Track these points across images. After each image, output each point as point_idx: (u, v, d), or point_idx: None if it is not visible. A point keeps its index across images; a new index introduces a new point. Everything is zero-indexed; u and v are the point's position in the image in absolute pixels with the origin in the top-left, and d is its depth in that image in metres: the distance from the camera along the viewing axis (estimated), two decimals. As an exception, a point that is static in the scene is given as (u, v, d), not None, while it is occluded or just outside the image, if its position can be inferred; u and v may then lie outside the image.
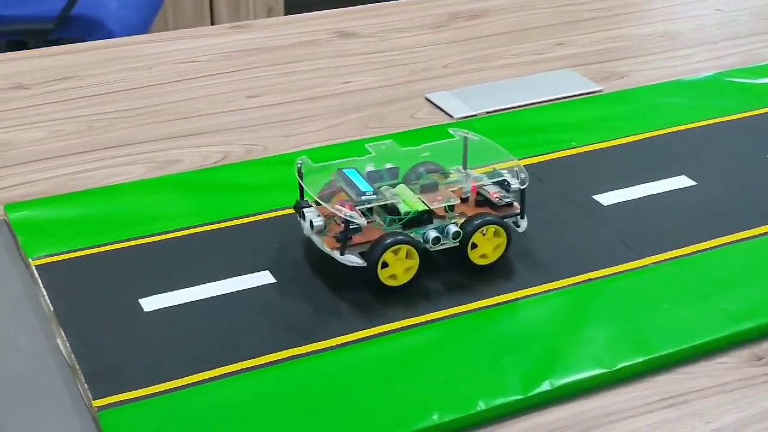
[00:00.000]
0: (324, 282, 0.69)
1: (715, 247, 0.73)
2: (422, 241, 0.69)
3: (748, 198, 0.79)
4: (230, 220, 0.75)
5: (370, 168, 0.72)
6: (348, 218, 0.66)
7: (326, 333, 0.65)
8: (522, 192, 0.71)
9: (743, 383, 0.62)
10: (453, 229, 0.69)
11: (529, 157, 0.85)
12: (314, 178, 0.71)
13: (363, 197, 0.68)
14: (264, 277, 0.69)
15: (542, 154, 0.86)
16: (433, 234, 0.68)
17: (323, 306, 0.67)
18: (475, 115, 0.93)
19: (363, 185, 0.69)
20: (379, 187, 0.71)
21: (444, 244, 0.69)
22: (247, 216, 0.76)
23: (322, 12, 1.15)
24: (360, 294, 0.68)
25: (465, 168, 0.75)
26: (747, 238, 0.74)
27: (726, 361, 0.64)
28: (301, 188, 0.71)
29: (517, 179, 0.72)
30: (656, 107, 0.94)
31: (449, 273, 0.70)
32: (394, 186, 0.72)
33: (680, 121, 0.91)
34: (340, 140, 0.88)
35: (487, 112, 0.94)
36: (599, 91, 0.98)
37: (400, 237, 0.67)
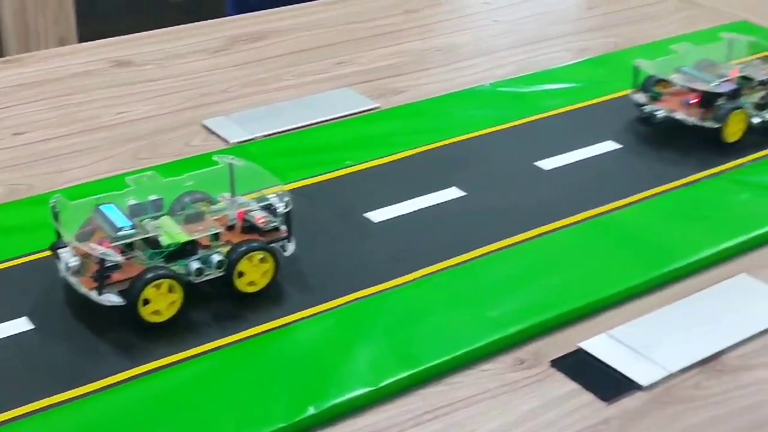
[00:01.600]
0: (86, 324, 0.67)
1: (483, 255, 0.75)
2: (185, 273, 0.67)
3: (516, 205, 0.81)
4: (-13, 266, 0.72)
5: (132, 201, 0.70)
6: (101, 256, 0.64)
7: (89, 376, 0.63)
8: (287, 215, 0.71)
9: (505, 388, 0.63)
10: (216, 258, 0.68)
11: (304, 179, 0.85)
12: (72, 216, 0.69)
13: (119, 233, 0.66)
14: (21, 324, 0.66)
15: (317, 175, 0.86)
16: (195, 265, 0.67)
17: (85, 349, 0.65)
18: (252, 139, 0.93)
19: (120, 220, 0.67)
20: (142, 221, 0.69)
21: (209, 274, 0.68)
22: (5, 261, 0.73)
23: (98, 42, 1.12)
24: (124, 333, 0.66)
25: (233, 195, 0.74)
26: (513, 244, 0.76)
27: (490, 368, 0.65)
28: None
29: (283, 203, 0.72)
30: (431, 121, 0.96)
31: (218, 303, 0.69)
32: (157, 218, 0.70)
33: (453, 134, 0.92)
34: (111, 174, 0.86)
35: (265, 135, 0.93)
36: (376, 108, 0.99)
37: (161, 271, 0.66)
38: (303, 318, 0.68)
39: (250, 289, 0.69)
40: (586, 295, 0.70)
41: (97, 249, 0.64)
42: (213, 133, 0.94)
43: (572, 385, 0.64)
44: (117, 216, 0.68)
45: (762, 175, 0.86)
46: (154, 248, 0.67)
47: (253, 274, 0.69)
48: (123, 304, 0.65)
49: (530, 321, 0.68)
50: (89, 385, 0.62)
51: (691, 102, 0.90)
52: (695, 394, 0.63)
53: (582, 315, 0.69)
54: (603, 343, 0.67)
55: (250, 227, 0.71)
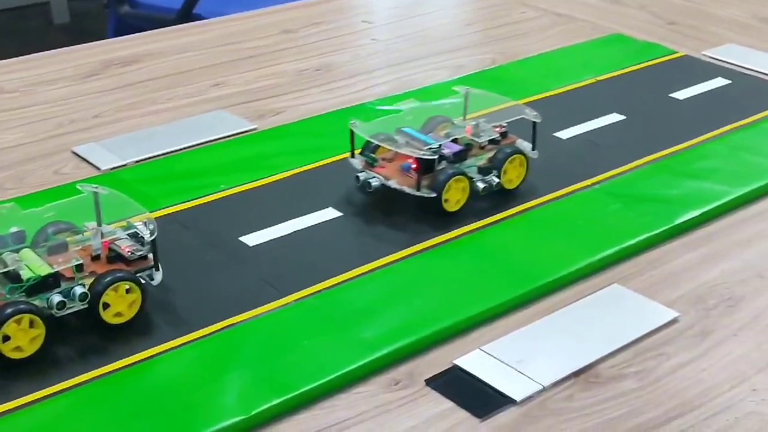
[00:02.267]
0: (-57, 364, 0.64)
1: (356, 276, 0.74)
2: (47, 307, 0.65)
3: (390, 225, 0.81)
4: None
5: (-9, 235, 0.68)
6: (-44, 293, 0.62)
7: (-55, 419, 0.60)
8: (153, 243, 0.69)
9: (380, 410, 0.63)
10: (79, 290, 0.66)
11: (178, 204, 0.83)
12: (-74, 253, 0.66)
13: (-25, 268, 0.64)
14: None
15: (191, 200, 0.84)
16: (57, 299, 0.65)
17: (-59, 390, 0.62)
18: (124, 165, 0.91)
19: (-24, 255, 0.65)
20: (1, 254, 0.67)
21: (72, 307, 0.66)
22: None
23: (-38, 69, 1.09)
24: (-17, 372, 0.64)
25: (99, 224, 0.72)
26: (386, 265, 0.76)
27: (364, 390, 0.64)
28: None
29: (149, 230, 0.70)
30: (309, 141, 0.95)
31: (83, 336, 0.67)
32: (18, 251, 0.68)
33: (330, 154, 0.92)
34: (-25, 206, 0.83)
35: (137, 161, 0.91)
36: (253, 129, 0.98)
37: (21, 306, 0.63)
38: (172, 348, 0.66)
39: (117, 321, 0.67)
40: (458, 312, 0.70)
41: (-50, 286, 0.62)
42: (84, 159, 0.91)
43: (447, 404, 0.63)
44: (-28, 250, 0.65)
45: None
46: (15, 282, 0.65)
47: (120, 305, 0.67)
48: (-20, 342, 0.63)
49: (404, 340, 0.67)
50: (-55, 428, 0.59)
51: (412, 167, 0.81)
52: (568, 407, 0.63)
53: (455, 332, 0.69)
54: (477, 359, 0.67)
55: (115, 257, 0.69)
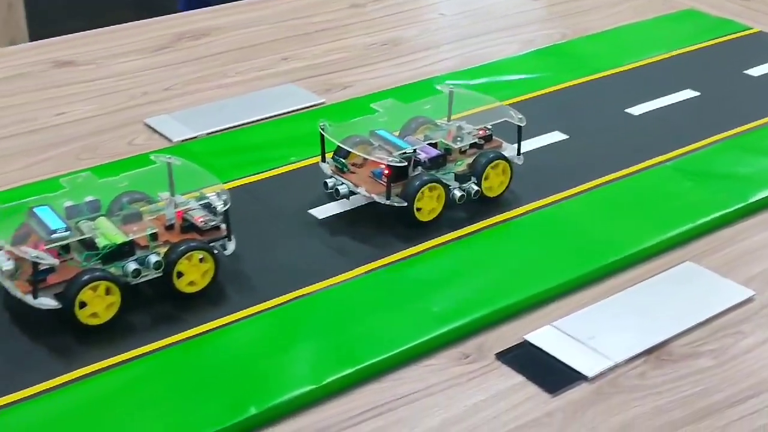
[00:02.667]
0: (22, 329, 0.65)
1: (425, 250, 0.74)
2: (122, 274, 0.66)
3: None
4: None
5: (68, 203, 0.69)
6: (35, 259, 0.63)
7: (24, 382, 0.61)
8: (226, 214, 0.70)
9: (449, 383, 0.62)
10: (154, 259, 0.67)
11: (248, 176, 0.84)
12: (6, 219, 0.67)
13: (53, 235, 0.65)
14: (-43, 330, 0.65)
15: (260, 172, 0.84)
16: (132, 266, 0.66)
17: (21, 355, 0.63)
18: (195, 137, 0.91)
19: (54, 222, 0.66)
20: (77, 223, 0.68)
21: (146, 275, 0.67)
22: (-61, 266, 0.71)
23: (38, 42, 1.10)
24: (61, 337, 0.65)
25: (172, 194, 0.72)
26: (457, 238, 0.76)
27: (433, 363, 0.64)
28: (-9, 232, 0.67)
29: (221, 201, 0.70)
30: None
31: (157, 305, 0.68)
32: (94, 219, 0.69)
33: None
34: (49, 175, 0.84)
35: (208, 133, 0.92)
36: (322, 103, 0.98)
37: (98, 273, 0.64)
38: (243, 318, 0.67)
39: (190, 290, 0.68)
40: (530, 287, 0.70)
41: (30, 252, 0.63)
42: (156, 131, 0.92)
43: (517, 378, 0.63)
44: (51, 218, 0.66)
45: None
46: (90, 250, 0.66)
47: (193, 274, 0.68)
48: (59, 307, 0.64)
49: (474, 314, 0.67)
50: (24, 390, 0.60)
51: (385, 173, 0.75)
52: (641, 384, 0.63)
53: (526, 307, 0.69)
54: (548, 334, 0.67)
55: (189, 227, 0.70)
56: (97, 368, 0.62)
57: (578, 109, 0.96)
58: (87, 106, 0.97)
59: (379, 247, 0.74)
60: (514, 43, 1.13)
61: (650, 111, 0.95)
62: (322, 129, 0.78)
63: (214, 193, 0.71)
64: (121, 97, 0.98)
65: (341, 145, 0.77)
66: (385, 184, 0.75)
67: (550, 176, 0.84)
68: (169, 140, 0.91)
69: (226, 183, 0.81)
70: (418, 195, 0.75)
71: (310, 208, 0.79)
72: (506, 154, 0.80)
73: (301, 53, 1.09)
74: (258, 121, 0.94)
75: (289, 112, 0.96)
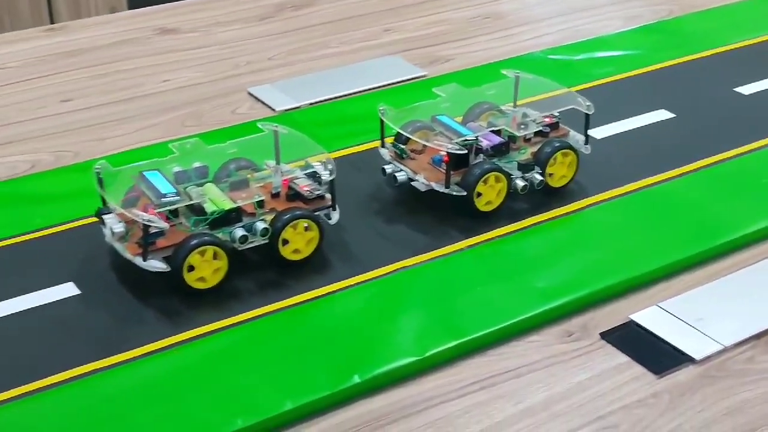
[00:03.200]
0: (131, 290, 0.66)
1: (530, 225, 0.74)
2: (230, 240, 0.67)
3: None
4: (34, 231, 0.72)
5: (177, 168, 0.70)
6: (146, 222, 0.64)
7: (133, 343, 0.62)
8: (332, 183, 0.70)
9: (553, 360, 0.62)
10: (261, 226, 0.67)
11: (350, 147, 0.84)
12: (117, 182, 0.69)
13: (164, 199, 0.66)
14: (67, 289, 0.66)
15: (363, 143, 0.85)
16: (240, 232, 0.67)
17: (129, 315, 0.65)
18: (298, 107, 0.92)
19: (164, 187, 0.67)
20: (186, 188, 0.69)
21: (253, 242, 0.67)
22: (53, 226, 0.73)
23: (143, 9, 1.12)
24: (169, 299, 0.66)
25: (278, 162, 0.73)
26: (563, 215, 0.75)
27: (537, 340, 0.64)
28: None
29: (327, 171, 0.71)
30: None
31: (262, 271, 0.68)
32: (202, 185, 0.69)
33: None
34: (156, 141, 0.85)
35: (311, 103, 0.92)
36: (424, 75, 0.98)
37: (206, 238, 0.65)
38: (347, 287, 0.67)
39: (295, 257, 0.69)
40: (636, 267, 0.69)
41: (141, 215, 0.64)
42: (259, 100, 0.93)
43: (622, 358, 0.62)
44: (161, 183, 0.67)
45: None
46: (199, 215, 0.67)
47: (298, 242, 0.68)
48: (167, 270, 0.65)
49: (579, 292, 0.66)
50: (132, 351, 0.62)
51: (444, 160, 0.73)
52: (750, 368, 0.61)
53: (632, 287, 0.68)
54: (654, 315, 0.65)
55: (294, 195, 0.70)
56: (203, 331, 0.63)
57: (685, 87, 0.94)
58: (191, 74, 0.98)
59: (484, 222, 0.73)
60: (618, 18, 1.11)
61: (762, 90, 0.93)
62: (382, 113, 0.77)
63: (319, 163, 0.71)
64: (225, 66, 0.99)
65: (400, 131, 0.76)
66: (444, 171, 0.73)
67: (656, 155, 0.82)
68: (273, 109, 0.91)
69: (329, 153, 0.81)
70: (477, 185, 0.72)
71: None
72: (573, 143, 0.77)
73: (402, 25, 1.09)
74: (360, 92, 0.95)
75: (391, 84, 0.96)
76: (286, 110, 0.91)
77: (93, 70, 0.98)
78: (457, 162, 0.73)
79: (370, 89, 0.95)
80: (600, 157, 0.81)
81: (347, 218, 0.72)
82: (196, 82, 0.96)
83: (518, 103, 0.81)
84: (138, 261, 0.65)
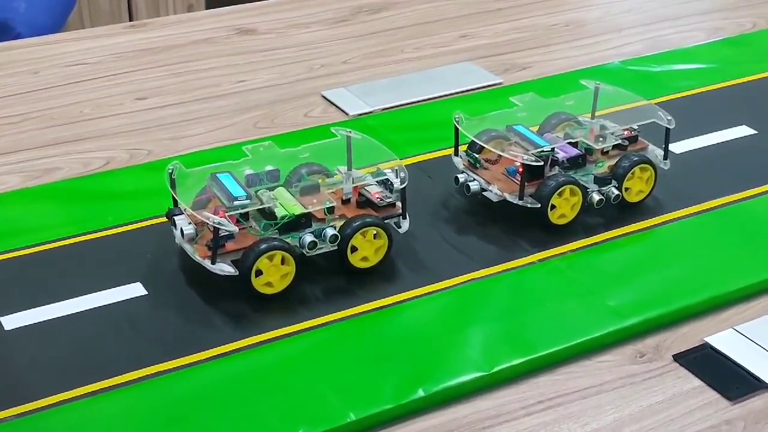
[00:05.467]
0: (198, 292, 0.66)
1: (603, 241, 0.72)
2: (299, 245, 0.66)
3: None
4: (105, 230, 0.73)
5: (248, 171, 0.70)
6: (216, 225, 0.64)
7: (199, 345, 0.62)
8: (403, 191, 0.69)
9: (624, 381, 0.60)
10: (330, 232, 0.67)
11: (423, 154, 0.83)
12: (189, 183, 0.69)
13: (235, 203, 0.65)
14: (135, 289, 0.67)
15: (436, 150, 0.84)
16: (309, 238, 0.66)
17: (196, 318, 0.65)
18: (370, 112, 0.91)
19: (236, 190, 0.66)
20: (257, 191, 0.68)
21: (321, 248, 0.67)
22: (123, 225, 0.73)
23: (222, 9, 1.12)
24: (236, 303, 0.65)
25: (349, 168, 0.72)
26: (635, 231, 0.73)
27: (608, 360, 0.62)
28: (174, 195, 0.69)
29: (399, 178, 0.70)
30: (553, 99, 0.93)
31: (330, 277, 0.68)
32: (273, 189, 0.69)
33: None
34: (229, 142, 0.85)
35: (384, 108, 0.92)
36: (499, 83, 0.97)
37: (275, 243, 0.65)
38: (415, 297, 0.66)
39: (363, 265, 0.68)
40: (712, 288, 0.67)
41: (212, 218, 0.64)
42: (332, 104, 0.93)
43: (695, 382, 0.60)
44: (233, 185, 0.67)
45: None
46: (269, 219, 0.66)
47: (367, 250, 0.68)
48: (236, 274, 0.65)
49: (653, 312, 0.65)
50: (200, 353, 0.62)
51: (519, 171, 0.71)
52: (829, 399, 0.59)
53: (707, 309, 0.66)
54: (730, 338, 0.64)
55: (365, 202, 0.70)
56: (271, 336, 0.63)
57: (768, 103, 0.92)
58: (267, 75, 0.98)
59: (557, 235, 0.72)
60: (701, 30, 1.08)
61: None
62: (457, 121, 0.75)
63: (391, 170, 0.71)
64: (300, 68, 0.99)
65: (475, 139, 0.75)
66: (518, 182, 0.72)
67: (736, 172, 0.80)
68: (346, 113, 0.91)
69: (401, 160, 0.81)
70: (551, 198, 0.71)
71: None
72: (652, 157, 0.75)
73: (480, 31, 1.08)
74: (434, 98, 0.94)
75: (465, 91, 0.95)
76: (360, 114, 0.91)
77: (170, 68, 0.98)
78: (531, 173, 0.72)
79: (444, 96, 0.94)
80: (678, 172, 0.79)
81: (417, 226, 0.71)
82: (271, 83, 0.96)
83: (596, 114, 0.80)
84: (206, 264, 0.65)
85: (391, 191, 0.70)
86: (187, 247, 0.66)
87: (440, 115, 0.91)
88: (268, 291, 0.65)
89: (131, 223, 0.73)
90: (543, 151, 0.72)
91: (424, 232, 0.72)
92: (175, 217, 0.67)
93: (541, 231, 0.72)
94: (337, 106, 0.92)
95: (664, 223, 0.74)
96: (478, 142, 0.74)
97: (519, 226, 0.73)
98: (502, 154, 0.73)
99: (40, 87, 0.95)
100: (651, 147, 0.77)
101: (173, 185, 0.68)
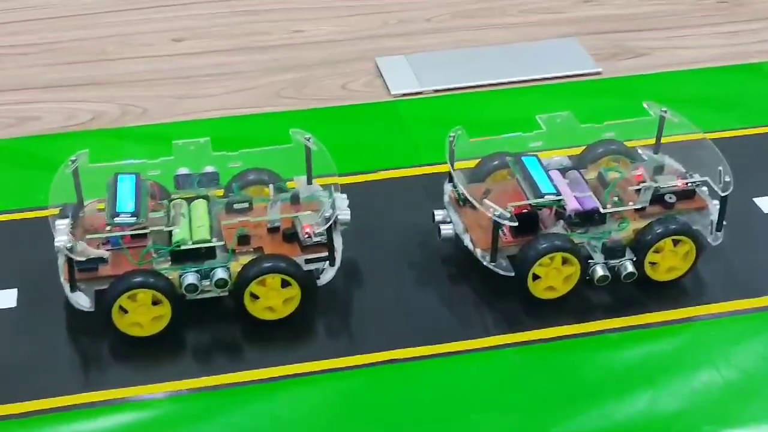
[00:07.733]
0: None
1: (599, 332, 0.54)
2: (178, 285, 0.53)
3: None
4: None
5: (182, 170, 0.58)
6: (67, 253, 0.52)
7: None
8: (329, 231, 0.55)
9: None
10: (219, 274, 0.53)
11: (436, 164, 0.66)
12: (93, 181, 0.57)
13: (115, 219, 0.52)
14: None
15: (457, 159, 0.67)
16: (190, 278, 0.53)
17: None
18: (419, 93, 0.75)
19: (125, 202, 0.53)
20: (175, 199, 0.56)
21: (208, 291, 0.54)
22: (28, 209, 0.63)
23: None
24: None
25: (309, 182, 0.59)
26: (652, 324, 0.55)
27: None
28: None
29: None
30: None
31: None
32: (200, 198, 0.56)
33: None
34: (236, 111, 0.73)
35: (436, 90, 0.76)
36: (597, 73, 0.77)
37: (140, 279, 0.52)
38: (295, 375, 0.52)
39: (269, 316, 0.55)
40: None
41: (62, 240, 0.52)
42: (380, 75, 0.77)
43: None
44: (127, 194, 0.54)
45: None
46: (167, 242, 0.54)
47: (272, 299, 0.54)
48: (92, 310, 0.53)
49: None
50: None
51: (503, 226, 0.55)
52: None
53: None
54: None
55: (292, 236, 0.56)
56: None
57: None
58: (329, 27, 0.84)
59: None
60: None
61: None
62: (451, 141, 0.58)
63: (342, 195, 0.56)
64: (373, 22, 0.84)
65: (453, 174, 0.57)
66: (505, 234, 0.55)
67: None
68: (388, 91, 0.76)
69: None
70: (533, 266, 0.54)
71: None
72: (701, 225, 0.56)
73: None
74: (503, 84, 0.76)
75: (548, 79, 0.77)
76: (403, 95, 0.75)
77: (217, 6, 0.86)
78: (519, 228, 0.55)
79: (517, 83, 0.76)
80: (742, 244, 0.59)
81: (370, 267, 0.57)
82: (329, 38, 0.82)
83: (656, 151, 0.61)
84: (66, 289, 0.54)
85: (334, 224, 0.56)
86: (59, 262, 0.55)
87: (493, 110, 0.73)
88: (138, 333, 0.54)
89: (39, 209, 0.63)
90: (548, 199, 0.55)
91: (373, 279, 0.57)
92: (57, 221, 0.55)
93: (522, 303, 0.56)
94: (383, 79, 0.77)
95: (698, 317, 0.55)
96: (457, 183, 0.57)
97: (497, 290, 0.56)
98: (476, 204, 0.55)
99: (53, 15, 0.85)
100: (712, 206, 0.58)
101: (76, 178, 0.57)
